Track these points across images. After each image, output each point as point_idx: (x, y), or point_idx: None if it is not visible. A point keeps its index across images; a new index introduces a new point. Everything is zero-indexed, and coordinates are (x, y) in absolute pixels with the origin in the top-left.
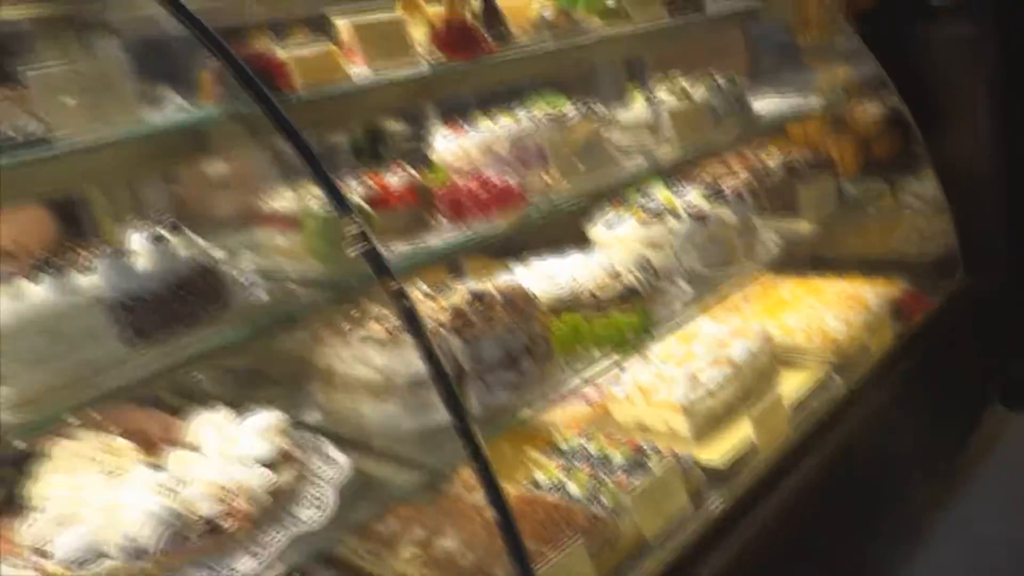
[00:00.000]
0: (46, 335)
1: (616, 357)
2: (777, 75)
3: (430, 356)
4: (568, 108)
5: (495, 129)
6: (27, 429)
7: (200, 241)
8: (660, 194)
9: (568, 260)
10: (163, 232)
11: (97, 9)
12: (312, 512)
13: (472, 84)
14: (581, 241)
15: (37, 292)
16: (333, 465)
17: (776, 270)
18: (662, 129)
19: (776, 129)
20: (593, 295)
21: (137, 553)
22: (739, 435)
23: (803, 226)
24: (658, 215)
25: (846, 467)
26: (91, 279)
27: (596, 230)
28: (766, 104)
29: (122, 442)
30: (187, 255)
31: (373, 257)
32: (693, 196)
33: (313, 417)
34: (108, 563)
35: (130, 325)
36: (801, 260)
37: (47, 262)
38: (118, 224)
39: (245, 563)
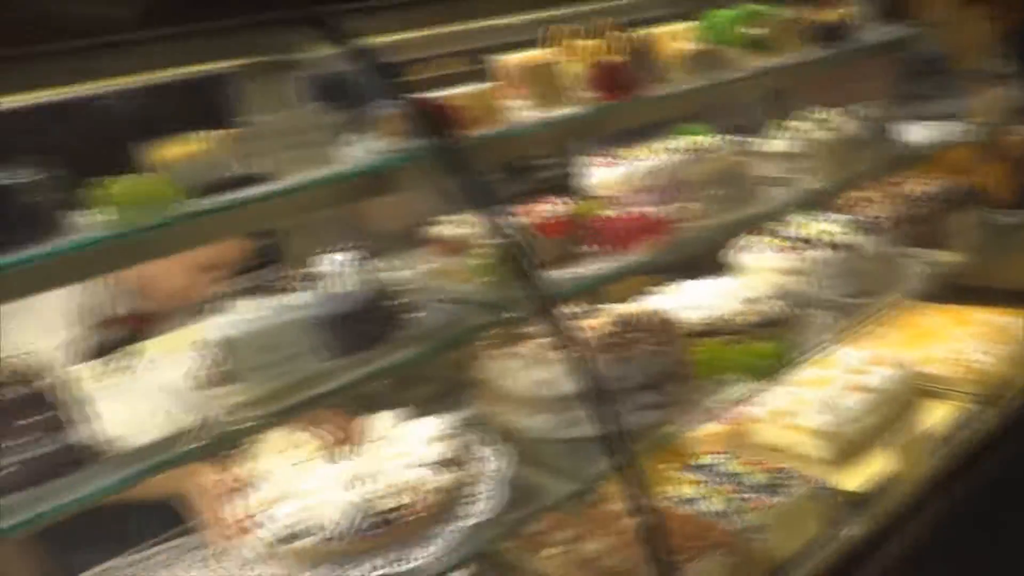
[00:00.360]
0: (264, 348)
1: (753, 384)
2: (927, 102)
3: (585, 374)
4: (711, 140)
5: (641, 162)
6: (252, 428)
7: (383, 267)
8: (800, 223)
9: (705, 286)
10: (353, 260)
11: (293, 54)
12: (477, 510)
13: (623, 122)
14: (717, 266)
15: (254, 310)
16: (495, 469)
17: (919, 299)
18: (805, 160)
19: (923, 158)
20: (731, 322)
21: (332, 535)
22: (879, 463)
23: (948, 256)
24: (798, 244)
25: (992, 500)
26: (296, 300)
27: (733, 256)
28: (914, 132)
29: (316, 435)
30: (374, 280)
31: (535, 282)
32: (834, 226)
33: (472, 424)
34: (308, 540)
35: (328, 342)
36: (946, 290)
37: (262, 284)
38: (310, 252)
39: (419, 554)
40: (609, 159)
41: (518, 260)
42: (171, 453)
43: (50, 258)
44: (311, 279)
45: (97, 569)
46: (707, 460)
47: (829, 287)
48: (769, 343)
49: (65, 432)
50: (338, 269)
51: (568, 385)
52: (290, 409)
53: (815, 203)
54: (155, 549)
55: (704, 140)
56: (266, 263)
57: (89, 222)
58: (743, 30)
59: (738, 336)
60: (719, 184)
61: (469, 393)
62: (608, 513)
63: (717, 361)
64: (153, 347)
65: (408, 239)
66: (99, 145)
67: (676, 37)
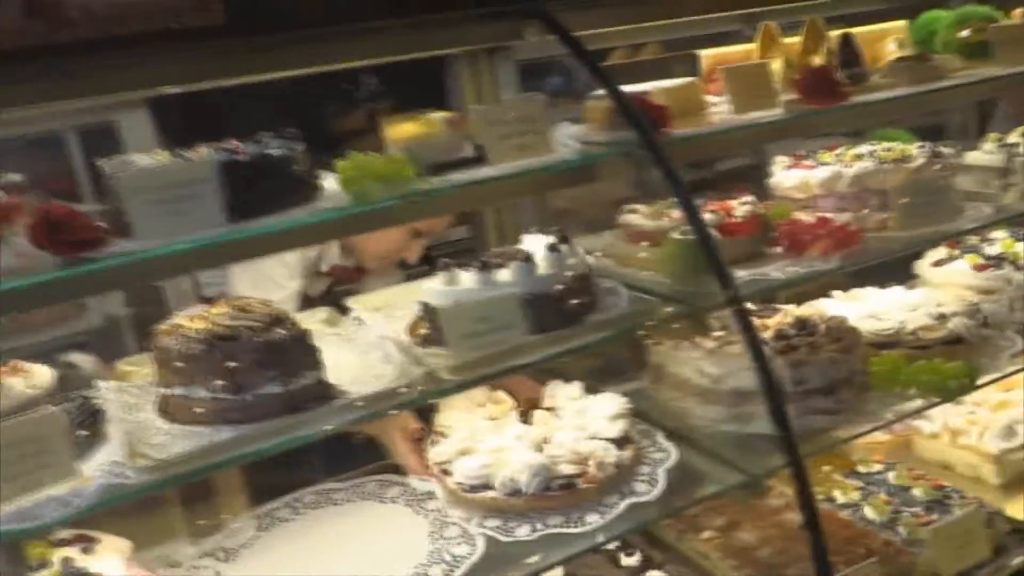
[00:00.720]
0: (476, 318)
1: (934, 400)
2: None
3: (763, 371)
4: (913, 148)
5: (838, 166)
6: (458, 388)
7: (581, 250)
8: (1002, 241)
9: (891, 294)
10: (555, 242)
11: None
12: (645, 487)
13: (824, 128)
14: (907, 277)
15: (467, 282)
16: (664, 451)
17: None
18: (1013, 175)
19: None
20: (916, 335)
21: (514, 491)
22: None
23: None
24: (996, 262)
25: None
26: (504, 276)
27: (924, 267)
28: None
29: (503, 396)
30: (572, 262)
31: (721, 278)
32: None
33: (647, 406)
34: (493, 493)
35: (531, 317)
36: None
37: (473, 258)
38: (512, 232)
39: (592, 518)
40: (805, 161)
41: (706, 255)
42: (387, 403)
43: (307, 223)
44: (516, 258)
45: (316, 487)
46: (872, 468)
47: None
48: (955, 363)
49: (302, 374)
50: (540, 250)
51: (743, 381)
52: (492, 375)
53: (1018, 223)
54: (365, 479)
55: (905, 148)
56: (469, 237)
57: (336, 192)
58: (959, 34)
59: (921, 351)
60: (916, 194)
61: (648, 375)
62: (769, 507)
63: (897, 374)
64: (369, 302)
65: (604, 224)
66: (342, 119)
67: (886, 37)
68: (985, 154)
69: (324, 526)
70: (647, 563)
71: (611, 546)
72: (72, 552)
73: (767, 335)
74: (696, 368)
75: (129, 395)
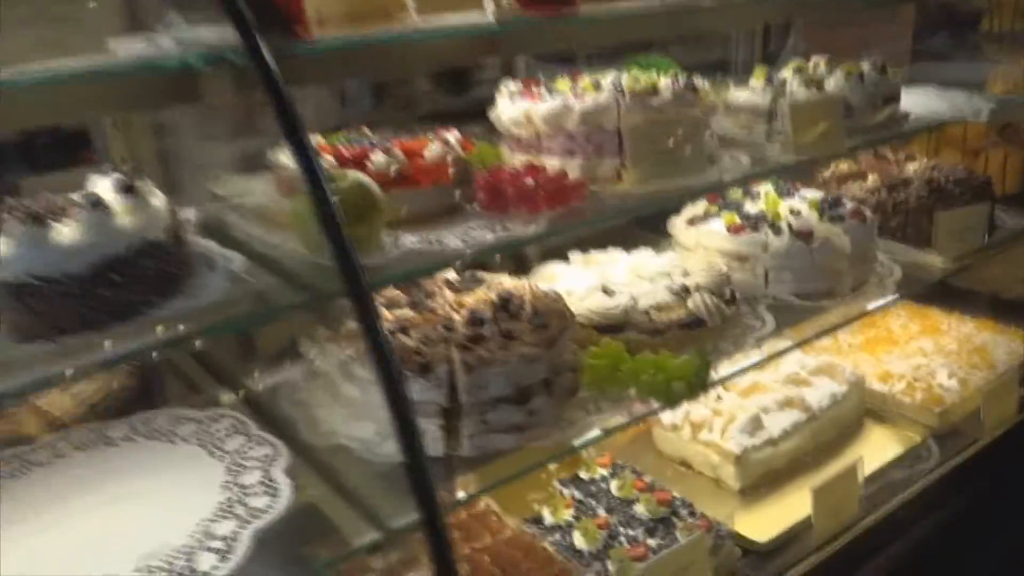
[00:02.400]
0: None
1: (654, 407)
2: (945, 66)
3: (387, 380)
4: (666, 81)
5: (570, 98)
6: None
7: (159, 205)
8: (766, 198)
9: (635, 259)
10: (124, 186)
11: None
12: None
13: (551, 44)
14: (650, 236)
15: None
16: (272, 491)
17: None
18: (779, 121)
19: (927, 133)
20: (649, 316)
21: None
22: (794, 504)
23: (936, 260)
24: (755, 223)
25: (925, 568)
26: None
27: (679, 225)
28: (922, 100)
29: None
30: (132, 224)
31: (339, 250)
32: (803, 205)
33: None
34: None
35: (31, 313)
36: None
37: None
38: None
39: None
40: (534, 89)
41: (322, 216)
42: None
43: None
44: (34, 215)
45: None
46: (596, 473)
47: (781, 283)
48: (688, 358)
49: None
50: (84, 203)
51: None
52: None
53: (785, 174)
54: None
55: (655, 81)
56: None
57: None
58: None
59: (653, 336)
60: (656, 139)
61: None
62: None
63: (616, 373)
64: None
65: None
66: None
67: None
68: (750, 93)
69: None
70: None
71: None
72: None
73: (458, 317)
74: (343, 369)
75: None
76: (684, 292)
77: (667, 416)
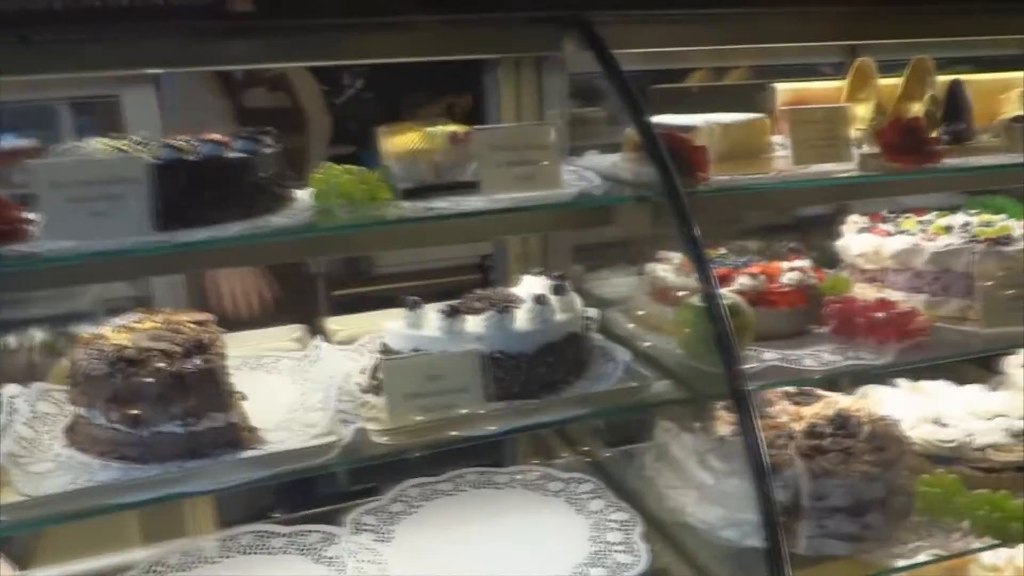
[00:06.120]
0: (422, 374)
1: (991, 542)
2: None
3: (758, 476)
4: (1017, 227)
5: (918, 237)
6: (386, 456)
7: (578, 303)
8: None
9: (966, 394)
10: (545, 292)
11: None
12: None
13: (908, 191)
14: (985, 373)
15: (431, 326)
16: (633, 555)
17: None
18: None
19: None
20: (983, 453)
21: None
22: None
23: None
24: None
25: None
26: (477, 326)
27: (1014, 365)
28: None
29: None
30: (563, 318)
31: (728, 358)
32: None
33: (641, 487)
34: None
35: (494, 380)
36: None
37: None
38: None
39: None
40: (881, 225)
41: (714, 328)
42: (299, 464)
43: (244, 239)
44: (495, 306)
45: None
46: None
47: None
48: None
49: (209, 415)
50: (531, 299)
51: (747, 485)
52: (431, 446)
53: None
54: None
55: (1006, 225)
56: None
57: (303, 207)
58: None
59: (987, 475)
60: (1009, 290)
61: (650, 451)
62: None
63: (949, 502)
64: (352, 324)
65: (626, 271)
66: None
67: (1010, 89)
68: None
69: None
70: None
71: None
72: None
73: (798, 428)
74: (699, 458)
75: (50, 401)
76: (1022, 436)
77: (988, 555)
